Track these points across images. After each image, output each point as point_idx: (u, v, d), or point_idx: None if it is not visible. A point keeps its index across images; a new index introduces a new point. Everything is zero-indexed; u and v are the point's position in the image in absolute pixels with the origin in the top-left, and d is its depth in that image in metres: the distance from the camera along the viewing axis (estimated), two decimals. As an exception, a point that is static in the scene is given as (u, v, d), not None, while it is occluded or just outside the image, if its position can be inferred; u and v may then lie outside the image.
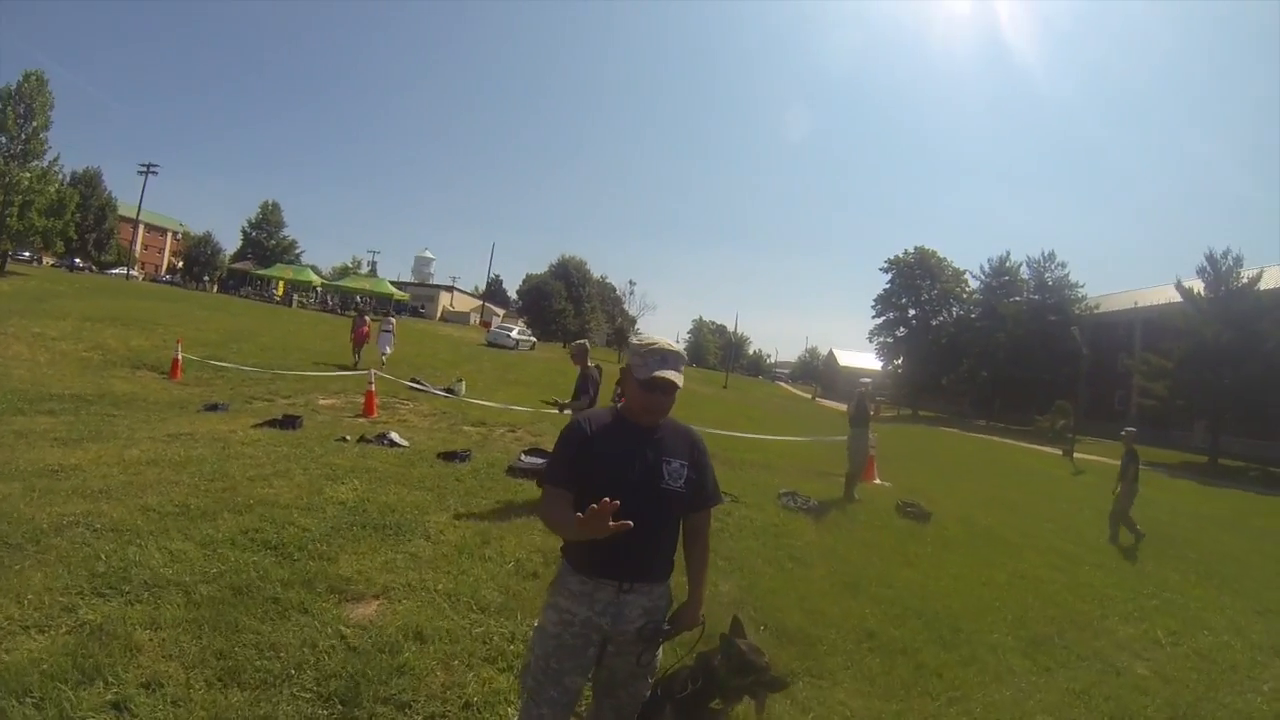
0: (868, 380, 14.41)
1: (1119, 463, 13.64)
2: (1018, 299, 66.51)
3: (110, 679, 3.99)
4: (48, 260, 65.61)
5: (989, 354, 65.19)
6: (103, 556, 5.60)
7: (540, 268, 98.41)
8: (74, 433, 10.29)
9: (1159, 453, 39.52)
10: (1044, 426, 46.92)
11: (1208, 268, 41.35)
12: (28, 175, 40.98)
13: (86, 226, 68.18)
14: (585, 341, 11.11)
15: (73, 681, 3.91)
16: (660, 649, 3.18)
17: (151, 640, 4.46)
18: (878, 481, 14.82)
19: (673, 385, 2.99)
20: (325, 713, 4.02)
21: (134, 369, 18.48)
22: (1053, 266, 64.58)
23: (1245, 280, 40.16)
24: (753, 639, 3.37)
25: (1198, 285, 42.10)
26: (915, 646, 6.37)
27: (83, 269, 68.30)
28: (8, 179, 40.07)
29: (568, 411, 9.99)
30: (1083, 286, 64.47)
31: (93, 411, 12.29)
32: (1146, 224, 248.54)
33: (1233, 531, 16.79)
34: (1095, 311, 63.59)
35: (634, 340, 3.19)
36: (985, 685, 5.86)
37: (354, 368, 23.05)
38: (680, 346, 3.11)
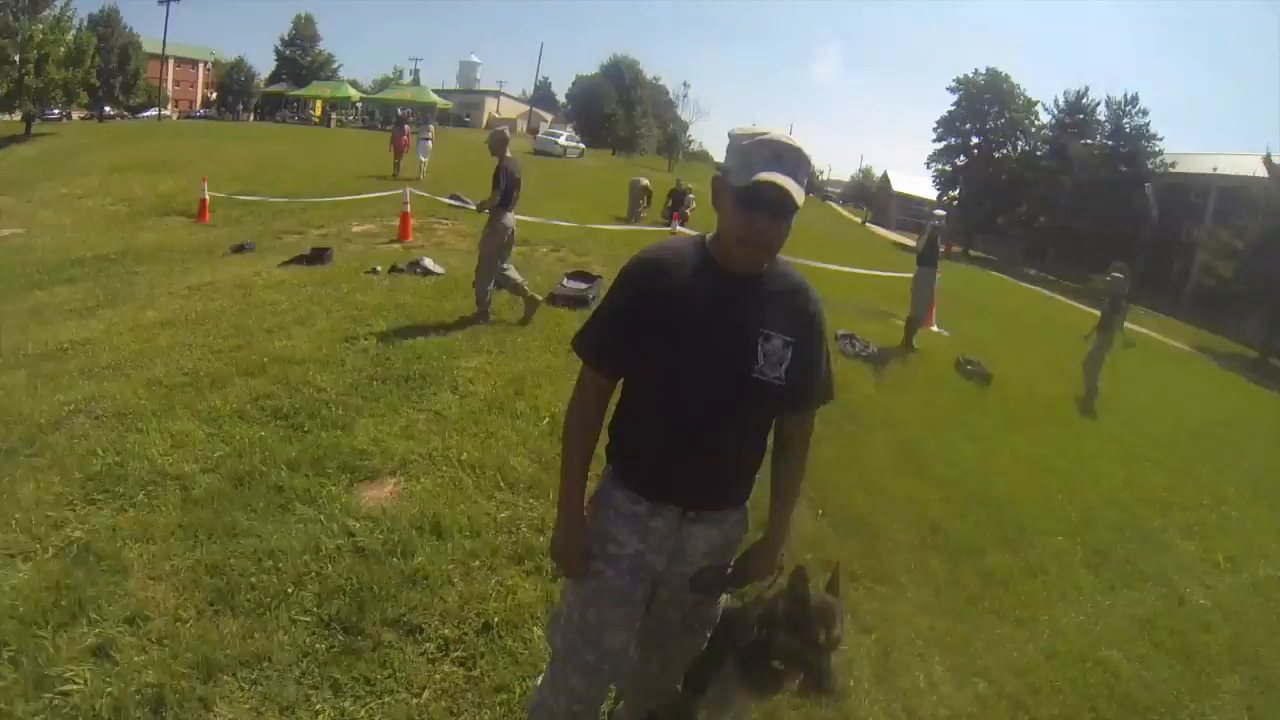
0: (942, 213, 13.45)
1: (1173, 342, 12.45)
2: (1090, 142, 60.99)
3: (93, 615, 3.53)
4: (77, 114, 64.48)
5: (1051, 198, 60.93)
6: (100, 451, 5.12)
7: (591, 68, 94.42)
8: (90, 301, 9.84)
9: (1210, 337, 37.64)
10: (1097, 288, 44.32)
11: None
12: (39, 27, 38.96)
13: (110, 71, 65.96)
14: (504, 129, 10.34)
15: (54, 624, 3.45)
16: (722, 598, 2.47)
17: (141, 557, 4.00)
18: (935, 329, 13.98)
19: (788, 201, 1.97)
20: (323, 645, 3.52)
21: (161, 216, 17.97)
22: (1133, 112, 58.69)
23: None
24: (813, 531, 2.59)
25: None
26: (981, 546, 6.02)
27: (113, 116, 67.06)
28: (19, 36, 37.85)
29: (486, 212, 9.09)
30: (1162, 139, 58.59)
31: (113, 272, 11.83)
32: (1247, 80, 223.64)
33: None
34: (1170, 170, 57.57)
35: (734, 131, 2.11)
36: (1052, 604, 5.57)
37: (394, 176, 24.29)
38: (801, 149, 2.04)
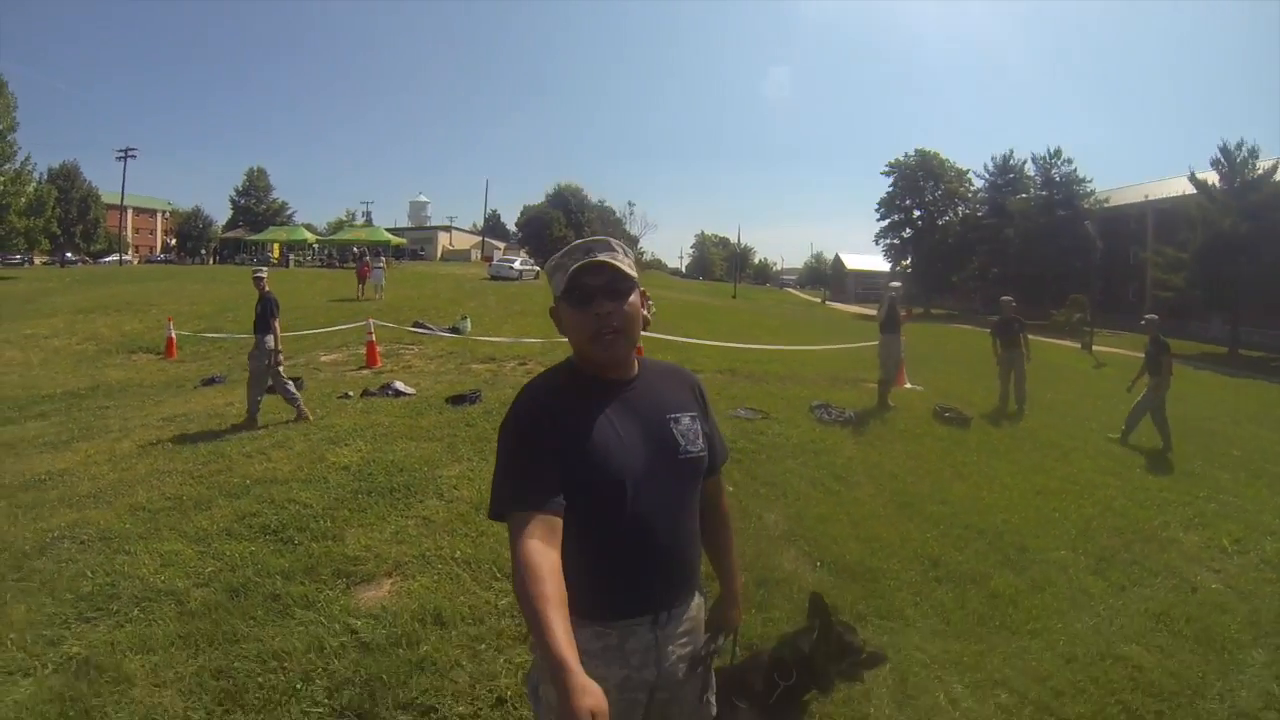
0: (898, 284, 14.11)
1: (1143, 354, 12.81)
2: (1025, 195, 64.83)
3: (102, 721, 3.47)
4: (39, 259, 64.95)
5: (998, 250, 63.96)
6: (89, 573, 5.12)
7: (538, 198, 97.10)
8: (64, 434, 9.77)
9: (1178, 344, 37.89)
10: (1060, 321, 46.43)
11: (1221, 159, 40.63)
12: (0, 180, 40.03)
13: (70, 220, 67.20)
14: (263, 270, 11.26)
15: (63, 734, 3.39)
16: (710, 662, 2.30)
17: (143, 667, 3.98)
18: (909, 386, 14.27)
19: (618, 275, 1.97)
20: (341, 729, 3.49)
21: (129, 354, 18.02)
22: (1059, 163, 62.59)
23: (1261, 171, 39.31)
24: (812, 582, 2.76)
25: (1212, 177, 41.41)
26: (984, 572, 6.00)
27: (75, 262, 67.58)
28: None
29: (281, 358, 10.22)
30: (1091, 181, 62.64)
31: (85, 407, 11.75)
32: (1153, 119, 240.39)
33: (1268, 426, 16.29)
34: (1106, 205, 61.66)
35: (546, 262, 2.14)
36: (1063, 613, 5.53)
37: (358, 298, 29.34)
38: (608, 237, 2.12)
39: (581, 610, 1.82)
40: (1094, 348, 33.19)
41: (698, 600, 2.20)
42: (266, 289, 10.38)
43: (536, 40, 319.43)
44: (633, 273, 2.01)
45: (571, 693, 1.52)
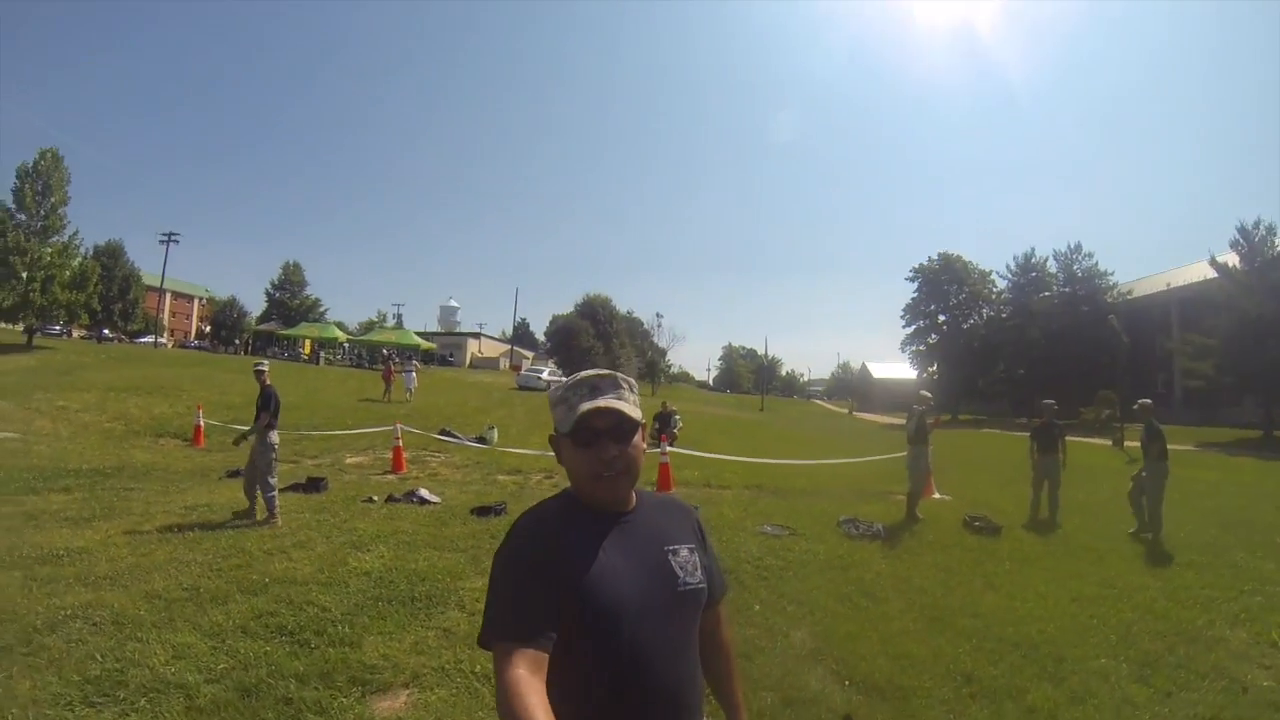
0: (927, 395, 13.88)
1: (1177, 446, 12.50)
2: (1048, 294, 65.42)
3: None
4: (77, 333, 66.17)
5: (1023, 351, 64.04)
6: (98, 656, 5.03)
7: (566, 308, 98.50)
8: (86, 511, 9.75)
9: (1212, 432, 39.28)
10: (1089, 419, 45.89)
11: (1240, 240, 40.72)
12: (49, 250, 41.40)
13: (111, 297, 69.02)
14: (264, 362, 11.31)
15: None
16: None
17: (146, 763, 3.81)
18: (937, 496, 14.16)
19: (624, 420, 1.94)
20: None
21: (156, 438, 18.09)
22: (1080, 257, 63.54)
23: None
24: (840, 701, 2.61)
25: (1232, 259, 41.39)
26: (1020, 686, 5.73)
27: (111, 339, 68.79)
28: (29, 255, 40.30)
29: (251, 439, 10.24)
30: (1113, 274, 63.37)
31: (109, 486, 11.74)
32: (1171, 205, 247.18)
33: None
34: (1129, 297, 62.27)
35: (552, 388, 2.10)
36: None
37: (384, 399, 31.19)
38: (613, 372, 2.07)
39: None
40: (1125, 444, 32.28)
41: None
42: (268, 382, 10.52)
43: (569, 152, 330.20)
44: (638, 414, 1.99)
45: None
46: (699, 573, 2.05)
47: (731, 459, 17.25)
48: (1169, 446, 12.01)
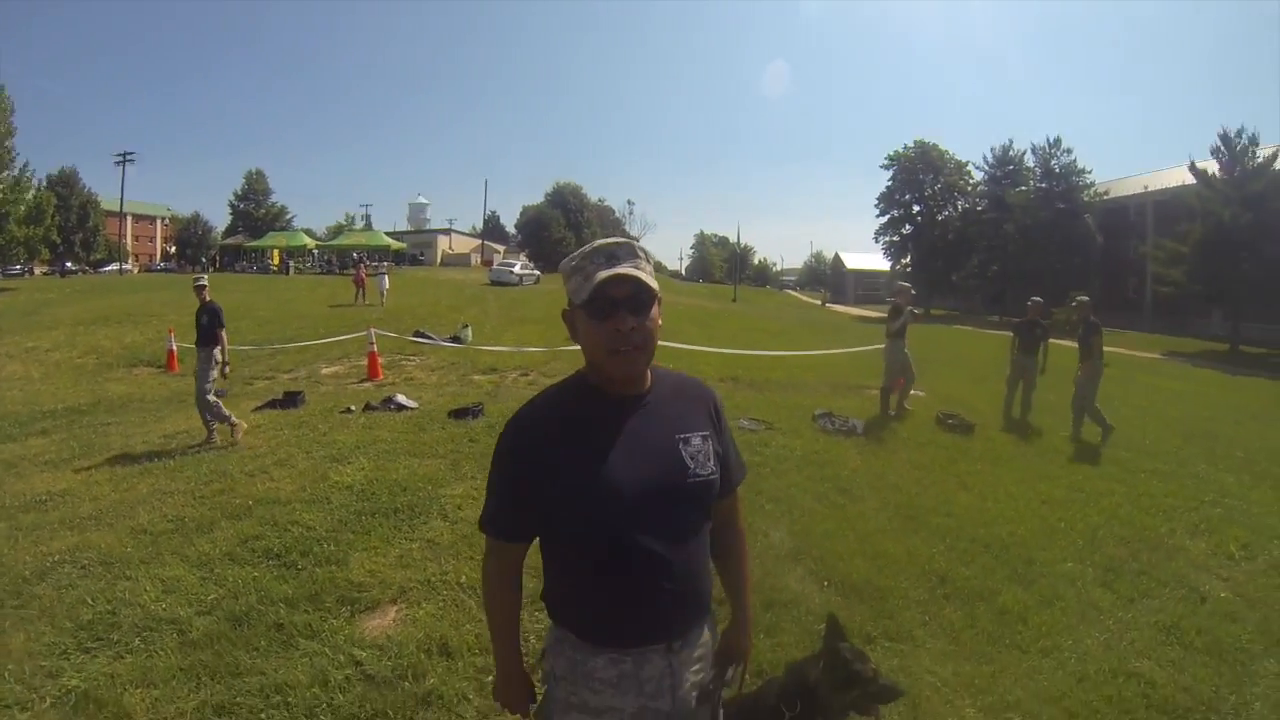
0: (908, 286, 13.68)
1: (1144, 354, 12.56)
2: (1024, 188, 64.02)
3: (100, 763, 3.42)
4: (39, 269, 64.93)
5: (998, 246, 63.18)
6: (89, 600, 5.07)
7: (537, 198, 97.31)
8: (65, 452, 9.66)
9: (1180, 341, 39.76)
10: (1061, 320, 45.87)
11: (1222, 148, 39.81)
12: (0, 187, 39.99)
13: (70, 228, 67.39)
14: (203, 277, 11.11)
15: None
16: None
17: (144, 702, 3.92)
18: (911, 392, 14.14)
19: (643, 289, 1.90)
20: (345, 770, 3.42)
21: (130, 367, 17.91)
22: (1059, 153, 61.77)
23: (1262, 159, 38.43)
24: (820, 603, 2.74)
25: (1212, 166, 40.54)
26: (992, 588, 5.92)
27: (75, 271, 67.59)
28: None
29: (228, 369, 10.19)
30: (1090, 172, 61.81)
31: (86, 423, 11.62)
32: (1155, 104, 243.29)
33: (1272, 424, 16.16)
34: (1105, 197, 61.19)
35: (562, 262, 2.04)
36: (1073, 628, 5.45)
37: (355, 303, 31.70)
38: (631, 239, 2.06)
39: (596, 638, 1.95)
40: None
41: (711, 622, 2.17)
42: (209, 297, 10.24)
43: (535, 40, 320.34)
44: (655, 285, 1.93)
45: (500, 680, 2.17)
46: (710, 462, 2.03)
47: (706, 349, 17.35)
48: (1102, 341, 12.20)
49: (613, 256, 1.91)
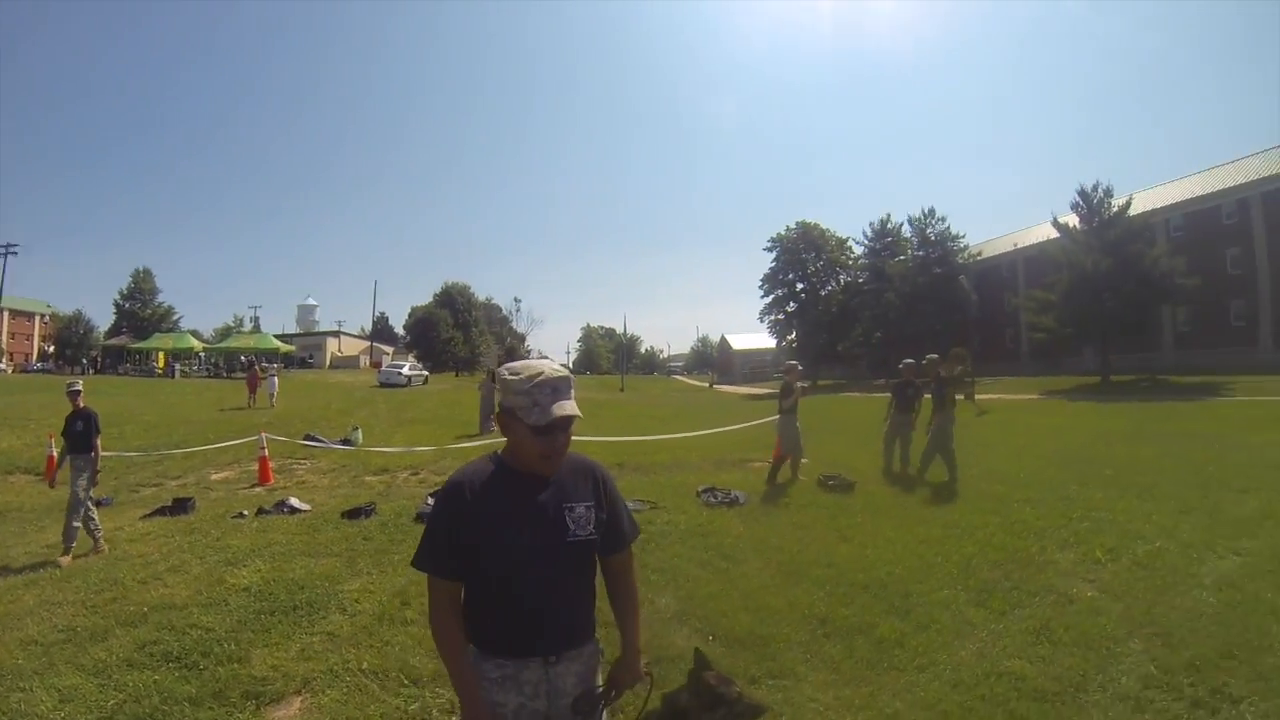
0: (795, 364, 14.62)
1: (1023, 396, 13.63)
2: (903, 257, 67.44)
3: None
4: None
5: (880, 315, 65.77)
6: (-20, 716, 4.97)
7: (425, 298, 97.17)
8: (-60, 566, 9.36)
9: (1056, 380, 43.34)
10: (944, 376, 47.61)
11: (1080, 202, 43.89)
12: None
13: (-58, 322, 64.15)
14: (77, 382, 11.03)
15: None
16: (603, 713, 2.78)
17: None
18: (801, 461, 14.69)
19: (574, 419, 2.53)
20: None
21: (6, 475, 17.15)
22: (933, 221, 65.76)
23: (1116, 209, 42.78)
24: (716, 665, 3.22)
25: (1072, 219, 44.74)
26: (870, 622, 6.31)
27: (-56, 372, 64.17)
28: None
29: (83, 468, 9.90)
30: (964, 236, 66.14)
31: (-39, 534, 11.27)
32: (1019, 170, 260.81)
33: (1139, 442, 17.31)
34: (978, 258, 65.93)
35: (508, 375, 2.57)
36: (948, 645, 5.86)
37: (249, 405, 31.75)
38: (559, 364, 2.68)
39: (489, 647, 2.56)
40: (976, 397, 34.30)
41: (592, 648, 2.71)
42: (83, 403, 10.21)
43: (419, 137, 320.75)
44: (578, 411, 2.55)
45: (465, 704, 2.46)
46: (590, 526, 2.61)
47: (594, 439, 17.72)
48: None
49: (558, 391, 2.50)
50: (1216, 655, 5.53)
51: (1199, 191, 50.18)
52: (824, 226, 77.62)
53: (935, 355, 14.15)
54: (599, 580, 2.77)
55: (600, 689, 2.69)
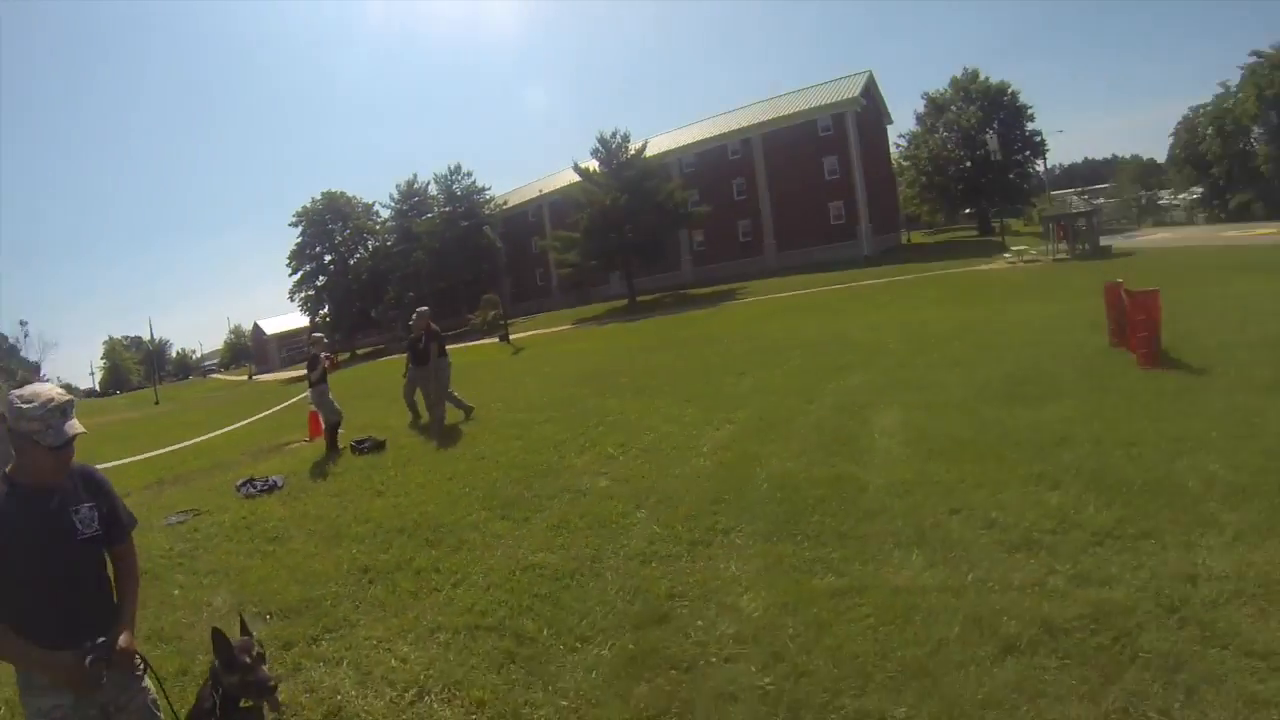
0: (320, 336, 14.65)
1: (555, 328, 14.60)
2: (430, 215, 68.48)
3: None
4: None
5: (411, 275, 66.47)
6: None
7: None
8: None
9: (587, 309, 48.04)
10: (478, 323, 50.47)
11: (600, 148, 48.70)
12: None
13: None
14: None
15: None
16: (145, 678, 3.12)
17: None
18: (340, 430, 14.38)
19: (73, 442, 2.83)
20: None
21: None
22: (460, 177, 67.53)
23: (634, 151, 48.73)
24: (255, 634, 3.55)
25: (593, 164, 49.62)
26: (407, 559, 6.85)
27: None
28: None
29: None
30: (490, 188, 68.86)
31: None
32: (550, 121, 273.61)
33: (658, 351, 19.26)
34: (505, 207, 69.39)
35: (20, 404, 2.75)
36: (480, 559, 6.57)
37: None
38: (60, 387, 2.93)
39: (30, 636, 2.77)
40: (511, 337, 36.84)
41: (123, 634, 2.95)
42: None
43: None
44: (81, 426, 2.85)
45: (49, 674, 2.77)
46: (95, 524, 2.92)
47: (128, 461, 16.52)
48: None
49: (65, 413, 2.78)
50: (709, 503, 6.82)
51: (708, 135, 60.07)
52: (350, 194, 76.42)
53: (425, 308, 14.42)
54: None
55: (103, 642, 2.88)
